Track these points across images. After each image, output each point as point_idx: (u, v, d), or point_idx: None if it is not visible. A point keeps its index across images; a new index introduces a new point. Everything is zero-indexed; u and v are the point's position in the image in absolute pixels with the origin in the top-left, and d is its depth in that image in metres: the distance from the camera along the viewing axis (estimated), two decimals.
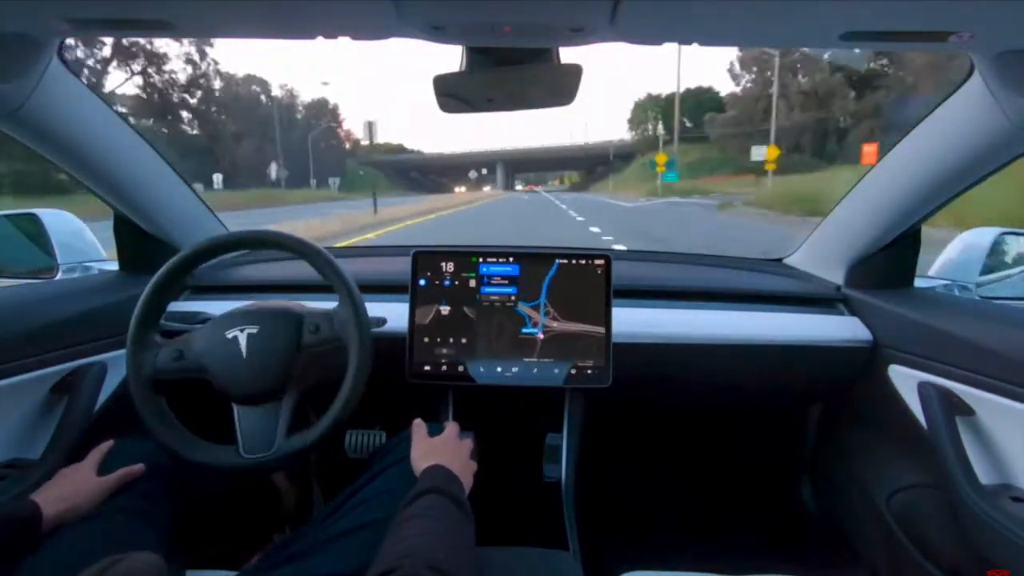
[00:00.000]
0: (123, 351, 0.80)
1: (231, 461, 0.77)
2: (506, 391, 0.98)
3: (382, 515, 0.68)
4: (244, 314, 0.83)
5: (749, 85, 33.18)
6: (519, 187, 78.94)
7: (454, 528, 0.60)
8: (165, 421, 0.79)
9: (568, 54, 0.69)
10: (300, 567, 0.67)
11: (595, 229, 10.20)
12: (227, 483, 0.92)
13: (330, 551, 0.68)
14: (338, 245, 1.27)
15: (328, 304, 0.85)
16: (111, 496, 0.71)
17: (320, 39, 0.61)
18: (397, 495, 0.66)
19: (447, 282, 1.00)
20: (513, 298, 0.99)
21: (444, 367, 0.98)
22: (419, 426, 0.80)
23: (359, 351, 0.79)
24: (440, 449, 0.75)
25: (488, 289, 0.99)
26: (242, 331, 0.79)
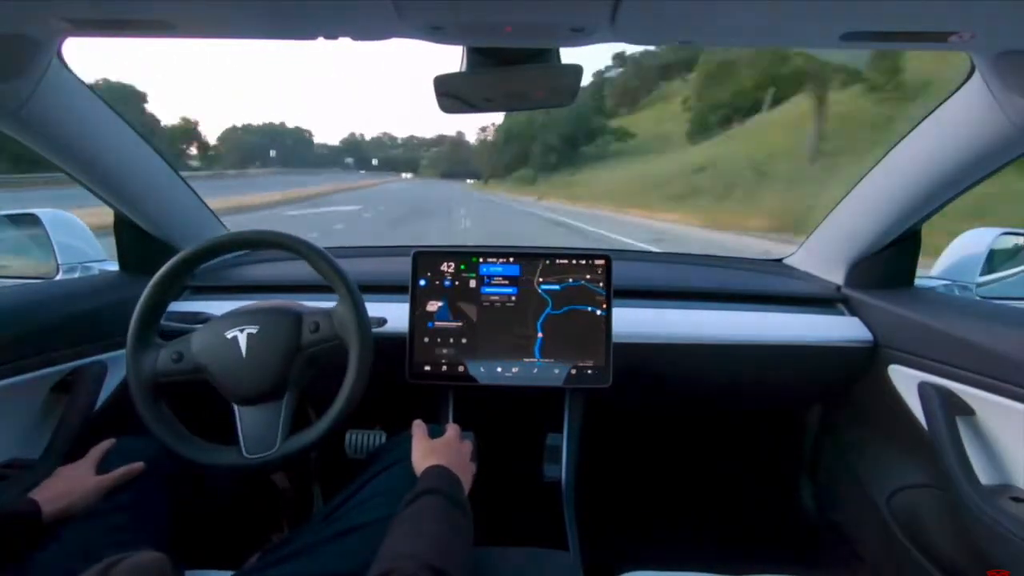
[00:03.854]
0: (123, 351, 0.80)
1: (234, 461, 0.77)
2: (506, 391, 0.98)
3: (382, 515, 0.68)
4: (243, 314, 0.82)
5: None
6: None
7: (453, 528, 0.60)
8: (167, 424, 0.79)
9: (568, 54, 0.69)
10: (299, 566, 0.67)
11: None
12: (227, 482, 0.92)
13: (329, 550, 0.68)
14: (338, 246, 1.26)
15: (329, 304, 0.84)
16: (110, 494, 0.71)
17: (320, 39, 0.61)
18: (397, 495, 0.66)
19: (447, 282, 1.00)
20: (513, 298, 0.99)
21: (444, 367, 0.98)
22: (419, 426, 0.80)
23: (360, 349, 0.79)
24: (441, 450, 0.75)
25: (488, 289, 1.00)
26: (242, 331, 0.79)
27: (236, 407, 0.80)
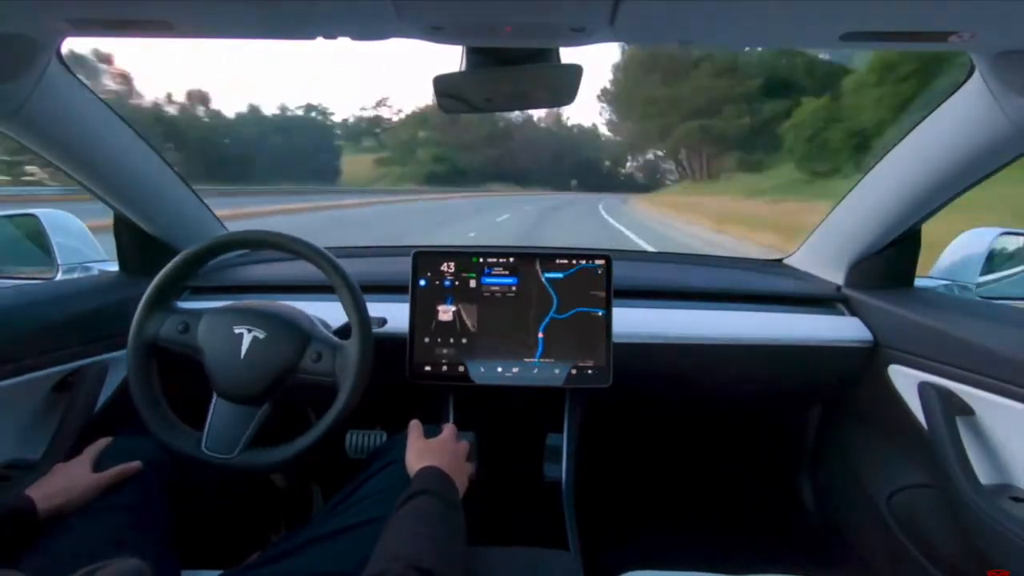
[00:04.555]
0: (123, 352, 0.80)
1: (188, 449, 0.78)
2: (507, 391, 0.98)
3: (376, 515, 0.68)
4: (257, 315, 0.82)
5: None
6: None
7: (444, 529, 0.60)
8: (147, 386, 0.79)
9: (568, 54, 0.69)
10: (295, 565, 0.67)
11: None
12: (226, 482, 0.92)
13: (325, 550, 0.68)
14: (337, 246, 1.26)
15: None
16: (107, 492, 0.71)
17: (320, 39, 0.61)
18: (393, 495, 0.66)
19: (447, 282, 0.99)
20: (514, 298, 0.99)
21: (444, 367, 0.98)
22: (415, 427, 0.80)
23: (347, 397, 0.78)
24: (435, 450, 0.74)
25: (488, 286, 0.99)
26: (249, 331, 0.79)
27: (215, 398, 0.80)
